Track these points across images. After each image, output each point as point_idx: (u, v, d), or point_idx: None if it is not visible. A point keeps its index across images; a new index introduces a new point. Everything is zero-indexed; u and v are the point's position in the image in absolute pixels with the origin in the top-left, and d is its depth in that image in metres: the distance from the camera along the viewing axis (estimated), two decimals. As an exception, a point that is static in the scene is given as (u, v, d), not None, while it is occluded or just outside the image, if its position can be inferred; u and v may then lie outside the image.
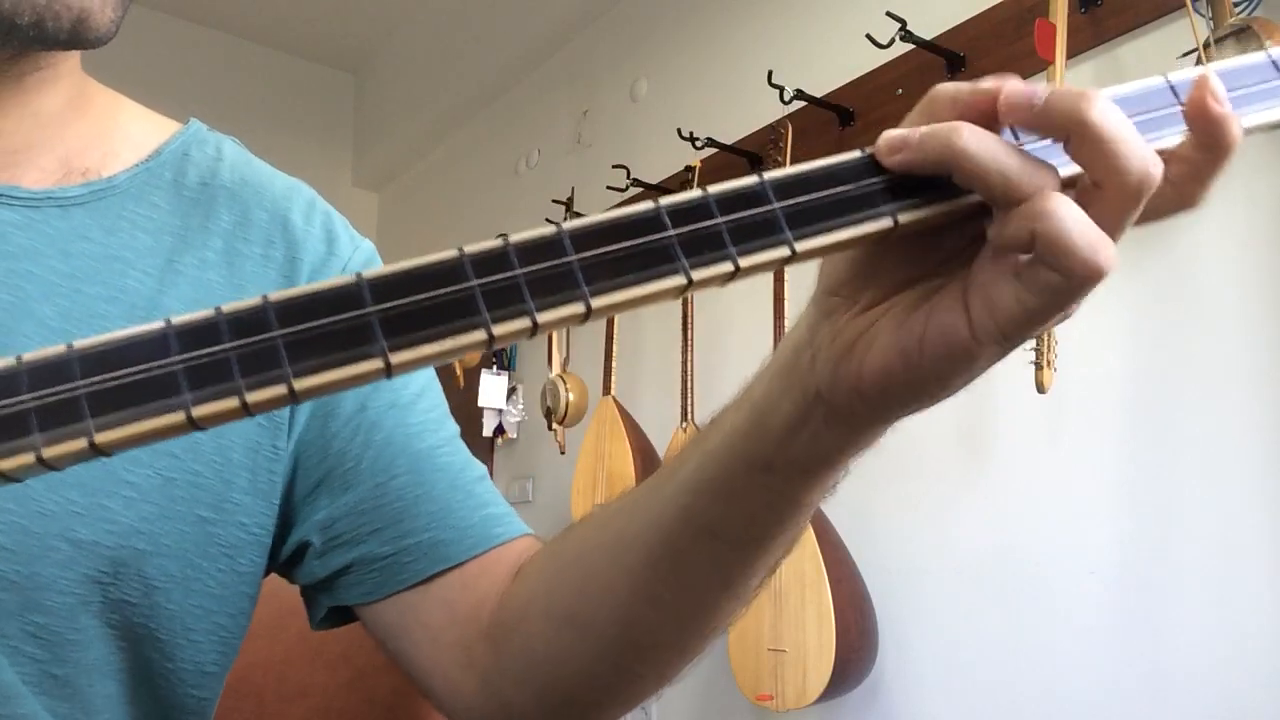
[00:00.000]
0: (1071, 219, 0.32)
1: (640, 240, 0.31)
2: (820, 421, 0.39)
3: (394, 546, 0.59)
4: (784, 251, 0.32)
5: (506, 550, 0.60)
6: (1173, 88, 0.36)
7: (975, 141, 0.33)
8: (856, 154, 0.34)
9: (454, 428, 0.64)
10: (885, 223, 0.33)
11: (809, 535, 1.69)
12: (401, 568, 0.59)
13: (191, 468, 0.55)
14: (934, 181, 0.34)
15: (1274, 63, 0.36)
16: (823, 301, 0.39)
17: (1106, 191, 0.33)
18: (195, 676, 0.58)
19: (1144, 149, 0.32)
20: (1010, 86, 0.34)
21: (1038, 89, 0.34)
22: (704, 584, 0.48)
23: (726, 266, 0.32)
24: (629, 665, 0.53)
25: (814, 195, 0.33)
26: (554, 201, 2.67)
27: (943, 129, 0.33)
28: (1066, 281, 0.32)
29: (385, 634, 0.61)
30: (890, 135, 0.34)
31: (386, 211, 3.81)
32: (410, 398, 0.62)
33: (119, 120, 0.62)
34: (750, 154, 2.14)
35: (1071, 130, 0.33)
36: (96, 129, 0.60)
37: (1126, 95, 0.35)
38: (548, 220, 1.45)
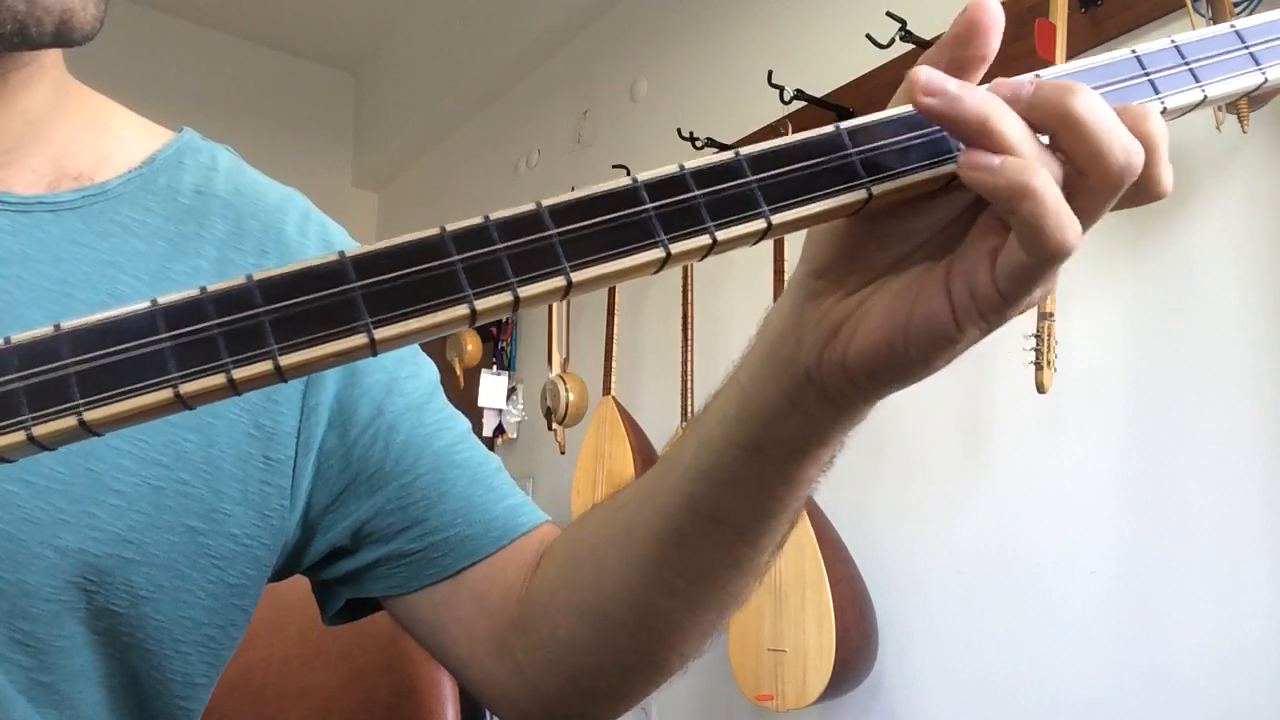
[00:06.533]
0: (1052, 198, 0.32)
1: (618, 214, 0.32)
2: (813, 402, 0.40)
3: (422, 543, 0.60)
4: (760, 224, 0.33)
5: (529, 539, 0.61)
6: (1139, 60, 0.37)
7: (1011, 124, 0.33)
8: (830, 129, 0.35)
9: (465, 423, 0.65)
10: (860, 194, 0.34)
11: (809, 535, 1.69)
12: (430, 563, 0.60)
13: (179, 476, 0.54)
14: (906, 154, 0.35)
15: (1238, 33, 0.37)
16: (808, 284, 0.39)
17: (1090, 179, 0.34)
18: (183, 687, 0.58)
19: (1126, 138, 0.33)
20: (997, 81, 0.35)
21: (1024, 81, 0.35)
22: (714, 568, 0.49)
23: (704, 239, 0.32)
24: (651, 650, 0.54)
25: (789, 168, 0.33)
26: (554, 202, 2.67)
27: (982, 98, 0.34)
28: (1035, 261, 0.33)
29: (420, 628, 0.62)
30: (932, 78, 0.34)
31: (386, 211, 3.82)
32: (423, 399, 0.63)
33: (111, 125, 0.61)
34: (750, 154, 2.15)
35: (1058, 123, 0.34)
36: (88, 131, 0.59)
37: (1093, 68, 0.36)
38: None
